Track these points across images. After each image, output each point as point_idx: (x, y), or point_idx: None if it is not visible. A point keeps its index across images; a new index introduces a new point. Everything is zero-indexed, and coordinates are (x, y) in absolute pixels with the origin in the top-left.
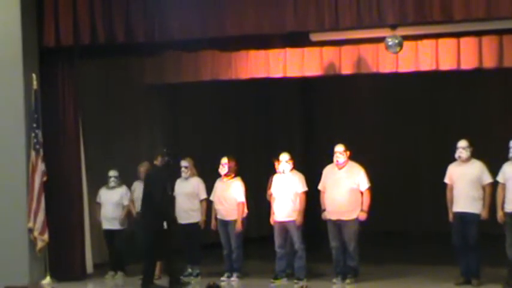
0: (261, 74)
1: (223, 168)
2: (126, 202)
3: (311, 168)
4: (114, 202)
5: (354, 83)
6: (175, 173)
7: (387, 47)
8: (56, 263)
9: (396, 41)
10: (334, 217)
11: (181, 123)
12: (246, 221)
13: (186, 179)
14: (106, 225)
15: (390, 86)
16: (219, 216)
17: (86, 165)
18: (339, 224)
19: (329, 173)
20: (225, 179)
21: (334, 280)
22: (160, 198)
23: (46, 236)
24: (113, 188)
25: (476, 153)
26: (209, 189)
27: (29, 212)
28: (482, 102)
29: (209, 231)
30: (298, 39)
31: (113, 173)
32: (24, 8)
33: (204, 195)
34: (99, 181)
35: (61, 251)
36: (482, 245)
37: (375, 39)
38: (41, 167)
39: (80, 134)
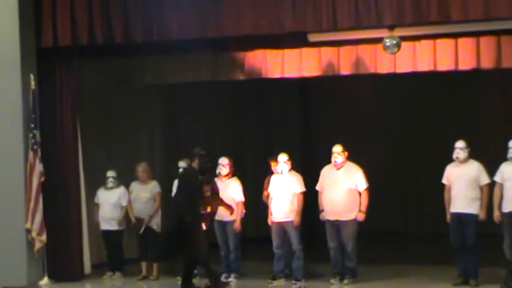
0: (260, 75)
1: (223, 169)
2: (124, 203)
3: (309, 169)
4: (112, 203)
5: (352, 84)
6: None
7: (385, 48)
8: (53, 264)
9: (394, 42)
10: (332, 217)
11: (179, 123)
12: (244, 221)
13: None
14: (104, 226)
15: (388, 86)
16: (217, 217)
17: (84, 166)
18: (337, 225)
19: (327, 174)
20: (223, 179)
21: (332, 281)
22: (186, 201)
23: (44, 237)
24: (111, 188)
25: (474, 154)
26: None
27: (26, 213)
28: (480, 103)
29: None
30: (296, 40)
31: (111, 174)
32: (22, 8)
33: None
34: (97, 181)
35: (59, 252)
36: (480, 245)
37: (373, 40)
38: (38, 167)
39: (77, 135)
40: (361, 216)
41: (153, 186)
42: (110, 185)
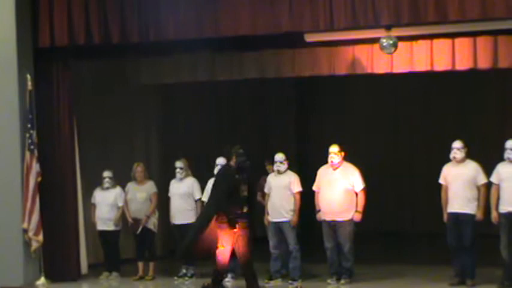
0: (256, 75)
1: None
2: (120, 203)
3: (306, 169)
4: (108, 203)
5: (349, 84)
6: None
7: (382, 48)
8: (50, 264)
9: (391, 42)
10: (328, 218)
11: (175, 123)
12: None
13: (181, 179)
14: (100, 226)
15: (385, 86)
16: None
17: (81, 166)
18: (333, 225)
19: (324, 174)
20: None
21: (329, 281)
22: (222, 199)
23: (41, 237)
24: (107, 188)
25: (471, 154)
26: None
27: (23, 213)
28: (477, 103)
29: None
30: (293, 40)
31: (107, 174)
32: (18, 9)
33: (199, 195)
34: (94, 182)
35: (56, 252)
36: (477, 246)
37: (370, 40)
38: (35, 167)
39: (74, 135)
40: (357, 217)
41: (150, 187)
42: (106, 185)
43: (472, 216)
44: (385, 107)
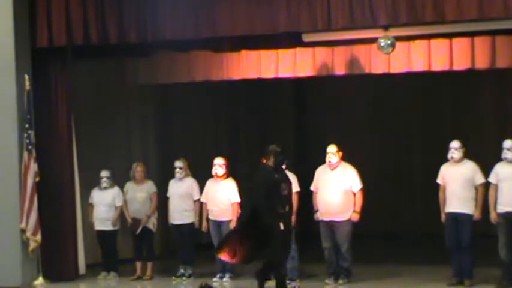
0: (253, 75)
1: (220, 169)
2: (118, 203)
3: (303, 169)
4: (106, 203)
5: (346, 84)
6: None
7: (380, 48)
8: (48, 264)
9: (389, 42)
10: (326, 218)
11: (173, 123)
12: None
13: (180, 179)
14: (98, 226)
15: (383, 86)
16: (211, 217)
17: (79, 166)
18: (331, 225)
19: (321, 174)
20: (219, 179)
21: (327, 281)
22: (260, 201)
23: (38, 237)
24: (105, 188)
25: (468, 154)
26: (201, 190)
27: (21, 213)
28: (475, 103)
29: (201, 231)
30: (290, 40)
31: (104, 174)
32: (16, 8)
33: (198, 196)
34: (91, 181)
35: (54, 252)
36: (475, 246)
37: (368, 40)
38: (33, 167)
39: (72, 135)
40: (355, 217)
41: (150, 186)
42: (103, 184)
43: (470, 216)
44: (382, 107)
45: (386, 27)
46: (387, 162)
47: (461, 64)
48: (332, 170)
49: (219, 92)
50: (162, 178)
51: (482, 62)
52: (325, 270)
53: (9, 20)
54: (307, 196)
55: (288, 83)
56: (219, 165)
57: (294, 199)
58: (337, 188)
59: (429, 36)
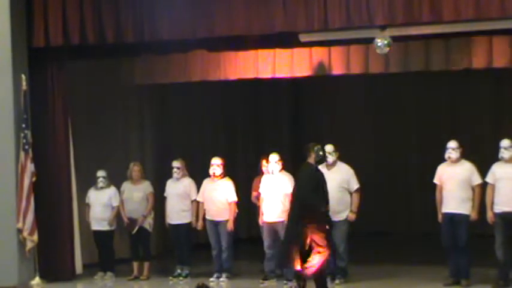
0: (250, 75)
1: (217, 169)
2: (115, 203)
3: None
4: (102, 203)
5: (343, 84)
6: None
7: (376, 48)
8: (45, 264)
9: (385, 42)
10: None
11: (170, 123)
12: (236, 221)
13: (178, 179)
14: (95, 226)
15: (379, 86)
16: (208, 217)
17: (75, 166)
18: None
19: None
20: (216, 179)
21: None
22: (310, 198)
23: (35, 237)
24: (102, 188)
25: (465, 154)
26: (198, 190)
27: (18, 213)
28: (472, 103)
29: (198, 231)
30: (287, 40)
31: (101, 174)
32: (13, 8)
33: (195, 196)
34: (88, 181)
35: (50, 252)
36: (471, 246)
37: (365, 40)
38: (30, 167)
39: (69, 135)
40: (352, 217)
41: (146, 186)
42: (100, 184)
43: (466, 216)
44: (379, 107)
45: (383, 27)
46: (384, 162)
47: (458, 64)
48: (329, 169)
49: (216, 92)
50: (159, 178)
51: (479, 62)
52: None
53: (6, 19)
54: None
55: (284, 82)
56: (216, 165)
57: (290, 199)
58: (334, 188)
59: (426, 37)
